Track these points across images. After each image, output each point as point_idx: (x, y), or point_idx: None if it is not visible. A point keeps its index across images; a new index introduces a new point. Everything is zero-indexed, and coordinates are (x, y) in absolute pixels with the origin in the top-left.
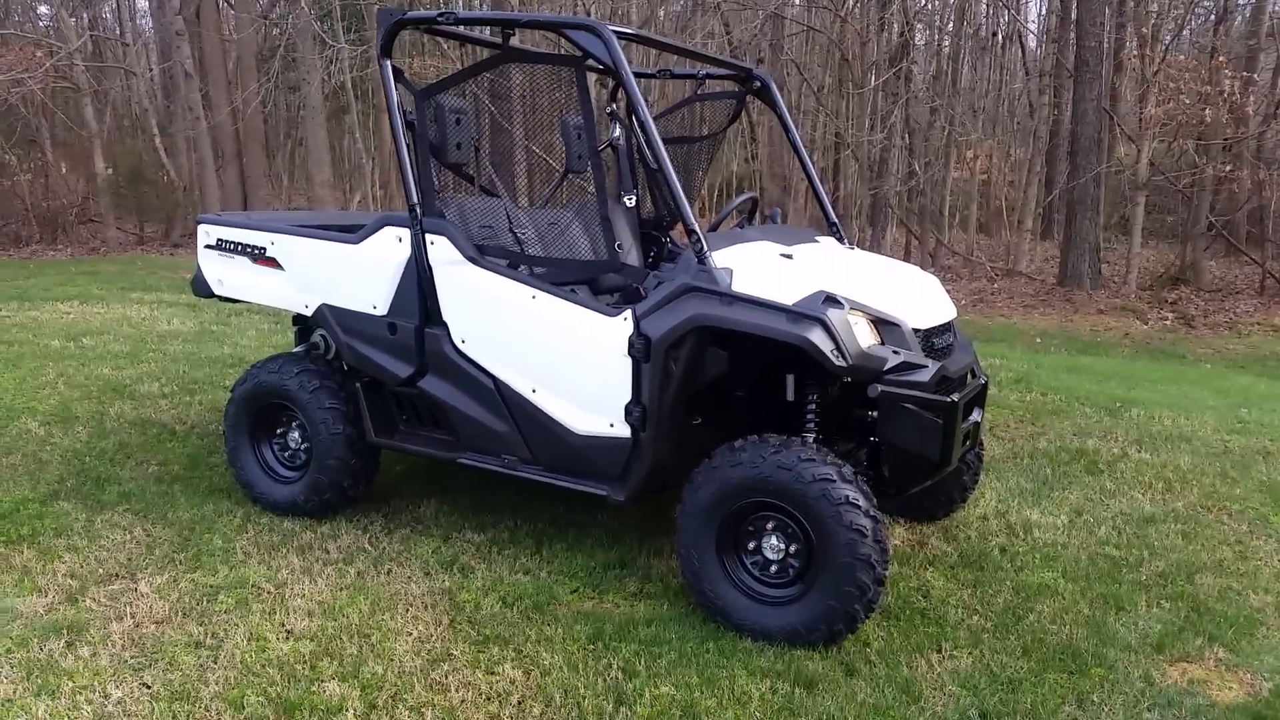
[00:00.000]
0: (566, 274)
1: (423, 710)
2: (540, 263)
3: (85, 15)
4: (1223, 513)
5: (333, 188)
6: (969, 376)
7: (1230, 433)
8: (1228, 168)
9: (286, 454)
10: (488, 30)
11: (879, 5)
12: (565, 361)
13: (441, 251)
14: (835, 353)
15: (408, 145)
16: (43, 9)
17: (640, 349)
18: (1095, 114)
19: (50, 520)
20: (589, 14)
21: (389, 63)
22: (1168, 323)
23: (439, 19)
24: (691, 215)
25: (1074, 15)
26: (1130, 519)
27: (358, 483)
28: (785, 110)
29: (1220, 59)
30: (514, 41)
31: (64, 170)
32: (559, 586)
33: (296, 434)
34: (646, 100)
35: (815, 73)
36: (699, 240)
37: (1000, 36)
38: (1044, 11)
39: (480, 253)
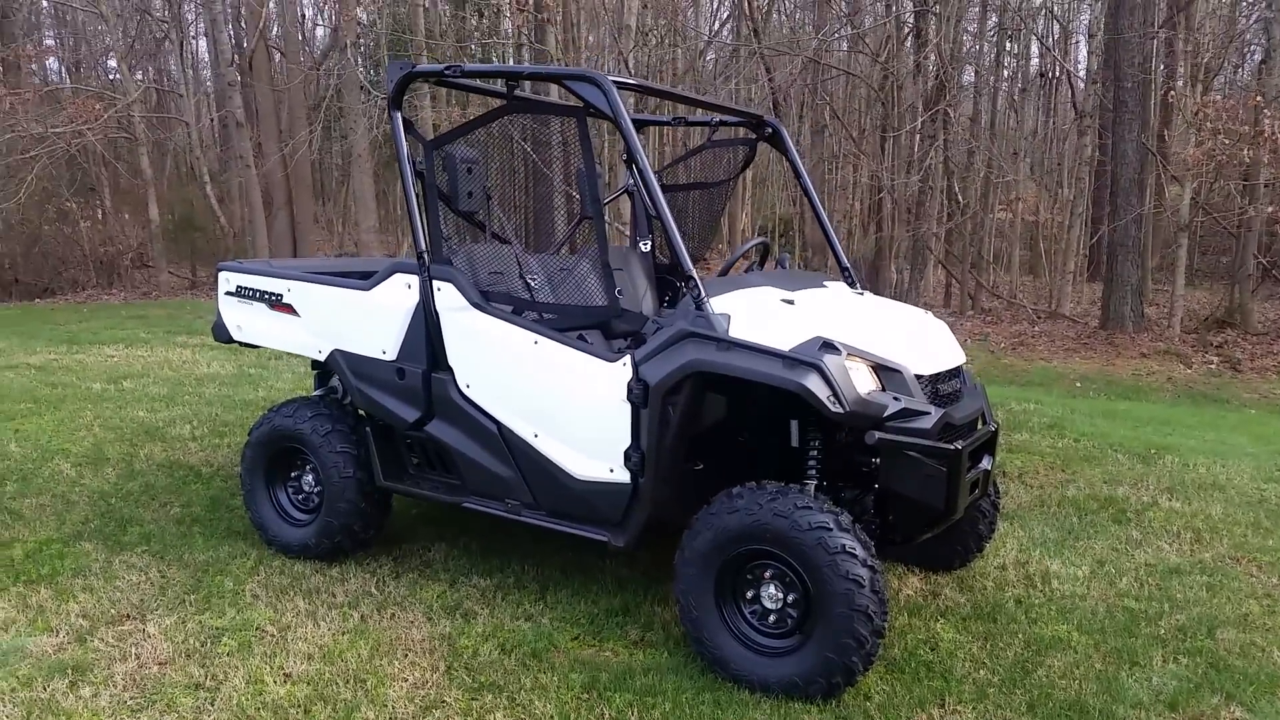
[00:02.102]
0: (569, 319)
1: None
2: (543, 308)
3: (150, 69)
4: (1252, 564)
5: (381, 233)
6: (978, 423)
7: (1267, 481)
8: (1269, 208)
9: (300, 497)
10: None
11: (915, 48)
12: (566, 406)
13: (448, 297)
14: (832, 399)
15: (417, 194)
16: (111, 64)
17: (638, 394)
18: (1135, 155)
19: (70, 560)
20: (630, 71)
21: (399, 114)
22: (1212, 366)
23: (446, 72)
24: (688, 260)
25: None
26: (1154, 570)
27: (368, 526)
28: (796, 156)
29: (1257, 98)
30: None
31: (126, 218)
32: (559, 633)
33: (310, 477)
34: (653, 146)
35: (856, 116)
36: (696, 285)
37: (1047, 77)
38: (1088, 52)
39: (485, 299)
